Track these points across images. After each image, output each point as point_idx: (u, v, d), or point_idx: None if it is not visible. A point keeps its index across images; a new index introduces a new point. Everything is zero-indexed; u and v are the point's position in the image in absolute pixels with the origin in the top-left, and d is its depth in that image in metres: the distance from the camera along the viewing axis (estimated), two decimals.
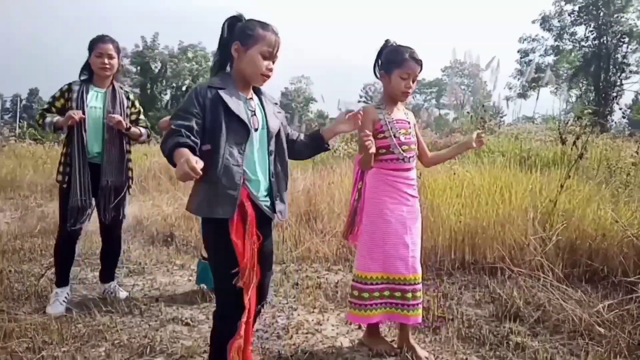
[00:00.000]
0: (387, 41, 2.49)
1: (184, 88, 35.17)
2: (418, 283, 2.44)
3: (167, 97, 35.54)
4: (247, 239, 1.85)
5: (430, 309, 2.95)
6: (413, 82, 2.40)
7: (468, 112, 13.04)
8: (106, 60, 3.05)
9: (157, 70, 34.70)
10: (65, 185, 3.02)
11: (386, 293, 2.41)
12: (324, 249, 4.35)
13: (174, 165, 1.67)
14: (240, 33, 1.92)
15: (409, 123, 2.49)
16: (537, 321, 2.82)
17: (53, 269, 3.62)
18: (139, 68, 34.12)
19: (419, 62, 2.40)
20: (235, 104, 1.86)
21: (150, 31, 36.40)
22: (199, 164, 1.61)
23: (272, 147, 2.00)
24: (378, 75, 2.50)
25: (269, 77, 1.95)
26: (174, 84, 35.44)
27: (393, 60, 2.40)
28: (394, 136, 2.39)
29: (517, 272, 3.31)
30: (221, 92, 1.85)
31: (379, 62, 2.48)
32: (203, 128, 1.82)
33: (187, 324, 2.82)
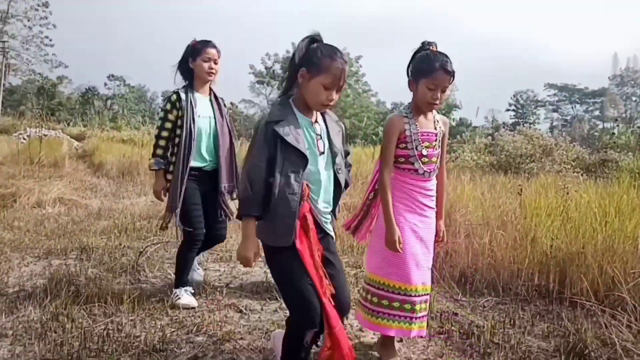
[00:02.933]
0: (422, 44, 2.33)
1: None
2: (427, 294, 2.37)
3: None
4: (313, 251, 1.91)
5: (483, 333, 2.76)
6: (442, 92, 2.26)
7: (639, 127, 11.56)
8: (213, 65, 3.09)
9: None
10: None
11: (395, 304, 2.30)
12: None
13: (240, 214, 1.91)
14: (307, 59, 1.91)
15: (435, 135, 2.35)
16: None
17: (149, 249, 4.13)
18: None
19: (450, 73, 2.23)
20: (293, 134, 1.89)
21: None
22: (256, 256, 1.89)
23: (339, 165, 2.04)
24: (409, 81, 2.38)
25: (329, 106, 1.98)
26: None
27: (421, 69, 2.27)
28: (416, 148, 2.30)
29: (595, 306, 2.92)
30: (276, 127, 1.87)
31: (410, 67, 2.36)
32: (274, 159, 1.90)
33: (240, 311, 3.01)
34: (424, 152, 2.30)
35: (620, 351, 2.49)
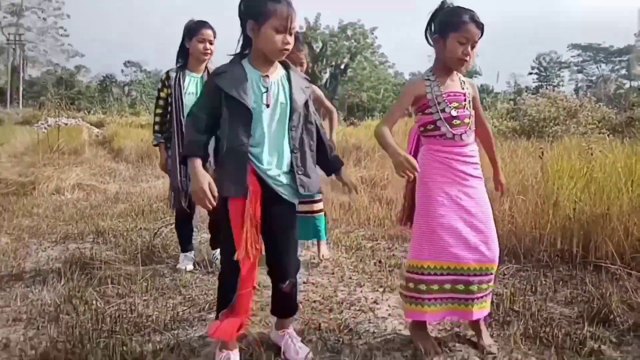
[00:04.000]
0: (443, 2, 2.19)
1: (342, 66, 36.04)
2: (486, 273, 2.14)
3: (326, 76, 36.79)
4: (245, 213, 1.88)
5: (502, 301, 2.67)
6: (472, 48, 2.09)
7: None
8: (208, 46, 3.18)
9: (318, 50, 36.02)
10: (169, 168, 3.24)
11: (447, 286, 2.14)
12: None
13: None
14: (252, 11, 1.90)
15: (464, 95, 2.18)
16: (629, 329, 2.36)
17: (163, 230, 4.13)
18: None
19: (480, 26, 2.08)
20: (235, 86, 1.87)
21: (314, 12, 37.51)
22: (212, 188, 1.85)
23: (295, 122, 1.98)
24: (430, 41, 2.23)
25: (287, 50, 1.93)
26: (333, 62, 36.48)
27: (450, 23, 2.10)
28: (443, 110, 2.13)
29: (621, 270, 2.79)
30: (218, 80, 1.89)
31: (432, 25, 2.21)
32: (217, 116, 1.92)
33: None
34: (453, 112, 2.12)
35: None
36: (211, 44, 3.19)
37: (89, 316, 2.51)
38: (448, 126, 2.12)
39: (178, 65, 3.26)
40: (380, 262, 3.54)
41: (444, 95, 2.14)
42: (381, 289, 2.98)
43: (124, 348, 2.15)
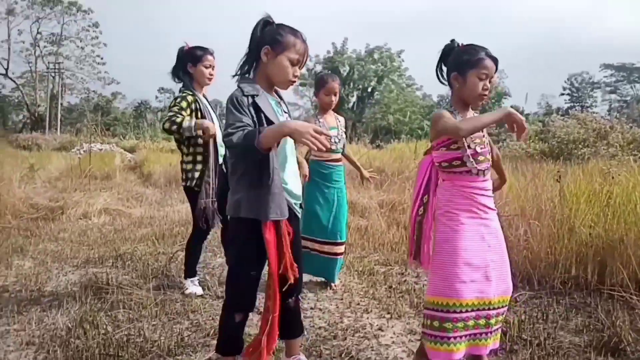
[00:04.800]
0: (452, 41, 2.24)
1: (369, 89, 36.29)
2: (504, 306, 2.14)
3: (353, 99, 37.07)
4: (284, 237, 1.94)
5: (511, 329, 2.62)
6: (490, 83, 2.12)
7: None
8: (212, 71, 3.32)
9: (345, 74, 36.41)
10: (197, 189, 3.26)
11: (471, 323, 2.09)
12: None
13: (250, 147, 1.76)
14: (270, 37, 1.95)
15: (483, 131, 2.18)
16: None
17: (180, 254, 4.21)
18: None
19: (495, 61, 2.12)
20: (271, 111, 1.94)
21: (342, 36, 38.12)
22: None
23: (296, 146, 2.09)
24: (444, 79, 2.24)
25: (293, 83, 2.01)
26: (360, 86, 36.78)
27: (467, 61, 2.13)
28: (469, 147, 2.12)
29: (636, 297, 2.70)
30: (257, 100, 1.90)
31: (442, 64, 2.24)
32: None
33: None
34: (478, 149, 2.12)
35: None
36: (213, 69, 3.32)
37: (98, 340, 2.58)
38: (474, 162, 2.12)
39: (186, 88, 3.29)
40: (391, 287, 3.52)
41: None
42: (388, 315, 2.97)
43: None
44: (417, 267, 2.42)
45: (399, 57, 37.76)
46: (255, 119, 1.88)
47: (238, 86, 1.97)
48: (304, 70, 3.51)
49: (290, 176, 2.02)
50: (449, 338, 2.07)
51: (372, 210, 6.45)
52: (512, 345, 2.51)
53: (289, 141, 2.00)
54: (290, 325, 2.18)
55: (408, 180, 8.03)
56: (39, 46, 40.99)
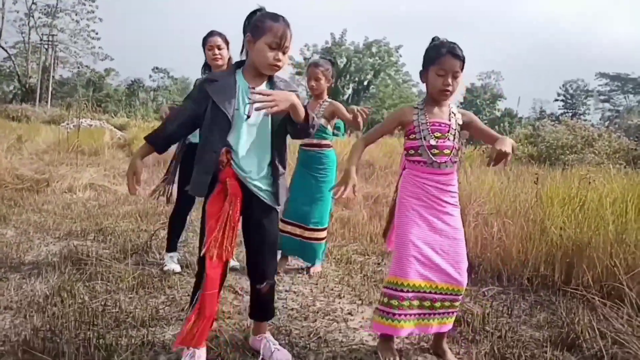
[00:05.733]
0: (433, 39, 2.31)
1: (365, 83, 36.30)
2: (452, 294, 2.26)
3: (349, 91, 37.07)
4: (222, 214, 2.00)
5: (474, 320, 2.72)
6: (454, 79, 2.21)
7: None
8: (216, 52, 3.35)
9: (342, 66, 36.39)
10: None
11: (415, 303, 2.23)
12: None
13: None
14: (252, 26, 2.05)
15: (448, 126, 2.27)
16: (594, 355, 2.39)
17: (161, 232, 4.26)
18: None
19: (459, 58, 2.19)
20: (221, 95, 2.01)
21: (341, 27, 37.97)
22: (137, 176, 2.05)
23: (275, 135, 2.10)
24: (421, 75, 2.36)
25: (277, 67, 2.05)
26: (356, 79, 36.77)
27: (429, 57, 2.24)
28: (424, 139, 2.24)
29: (597, 298, 2.82)
30: (208, 87, 2.04)
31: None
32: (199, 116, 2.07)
33: (235, 292, 3.09)
34: (432, 142, 2.23)
35: (612, 343, 2.40)
36: (220, 49, 3.34)
37: (74, 309, 2.64)
38: (430, 154, 2.23)
39: (203, 75, 3.44)
40: (366, 276, 3.61)
41: (428, 124, 2.25)
42: (359, 302, 3.06)
43: (100, 341, 2.27)
44: (390, 248, 2.54)
45: (397, 52, 37.80)
46: (205, 102, 2.04)
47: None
48: (300, 59, 3.58)
49: (247, 163, 2.05)
50: (393, 315, 2.23)
51: (356, 202, 6.53)
52: (474, 336, 2.61)
53: (245, 129, 2.04)
54: (260, 308, 2.28)
55: (395, 175, 8.13)
56: (33, 17, 40.43)
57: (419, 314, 2.26)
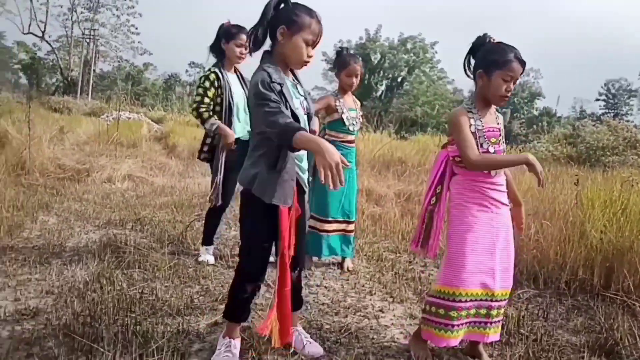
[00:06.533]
0: (484, 36, 2.23)
1: (399, 79, 35.96)
2: (506, 299, 2.23)
3: (382, 88, 36.78)
4: (290, 218, 2.04)
5: (510, 322, 2.67)
6: (513, 85, 2.15)
7: None
8: (243, 51, 3.36)
9: (375, 62, 36.16)
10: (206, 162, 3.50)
11: (472, 311, 2.18)
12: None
13: (285, 141, 1.81)
14: (287, 17, 1.95)
15: (499, 131, 2.22)
16: None
17: (196, 223, 4.35)
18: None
19: (523, 64, 2.13)
20: (291, 98, 1.97)
21: (376, 23, 37.71)
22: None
23: (312, 126, 2.13)
24: (470, 74, 2.26)
25: (307, 63, 2.03)
26: (390, 75, 36.46)
27: (495, 61, 2.14)
28: (481, 145, 2.15)
29: (633, 303, 2.72)
30: (284, 90, 1.93)
31: (471, 57, 2.25)
32: None
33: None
34: (491, 149, 2.16)
35: None
36: (246, 49, 3.33)
37: (112, 295, 2.72)
38: None
39: (216, 64, 3.41)
40: (397, 273, 3.59)
41: (484, 130, 2.17)
42: (390, 299, 3.04)
43: (137, 327, 2.33)
44: (422, 255, 2.49)
45: (433, 48, 37.30)
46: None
47: (263, 68, 1.95)
48: (334, 55, 3.55)
49: (305, 160, 2.11)
50: (452, 326, 2.17)
51: (388, 199, 6.50)
52: (509, 338, 2.57)
53: (304, 121, 2.04)
54: (292, 297, 2.25)
55: (428, 173, 8.04)
56: (76, 12, 41.59)
57: (473, 322, 2.21)
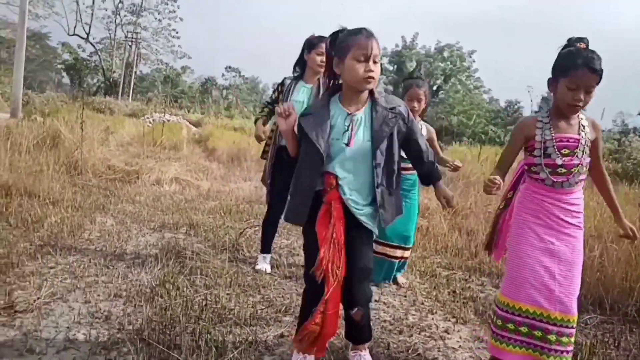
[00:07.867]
0: (569, 40, 2.08)
1: (434, 88, 35.62)
2: (566, 325, 2.06)
3: None
4: (327, 237, 1.99)
5: (581, 351, 2.58)
6: (587, 94, 2.00)
7: None
8: (324, 59, 3.41)
9: (411, 70, 35.92)
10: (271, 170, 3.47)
11: (523, 329, 2.08)
12: (500, 264, 4.08)
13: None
14: (336, 48, 2.04)
15: (578, 141, 2.07)
16: None
17: (248, 231, 4.38)
18: (395, 67, 35.90)
19: (595, 72, 1.97)
20: (315, 129, 2.00)
21: (413, 31, 37.52)
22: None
23: (378, 160, 2.03)
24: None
25: (372, 78, 1.97)
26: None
27: (561, 67, 2.03)
28: (547, 156, 2.06)
29: None
30: (301, 119, 2.06)
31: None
32: None
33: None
34: (559, 160, 2.05)
35: None
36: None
37: (179, 301, 2.75)
38: (548, 173, 2.07)
39: (295, 75, 3.51)
40: (454, 292, 3.52)
41: (554, 140, 2.07)
42: (453, 319, 2.98)
43: (208, 336, 2.35)
44: (493, 260, 2.45)
45: (470, 57, 36.83)
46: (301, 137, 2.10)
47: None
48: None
49: (349, 188, 2.05)
50: (509, 339, 2.10)
51: (434, 211, 6.40)
52: None
53: (347, 156, 2.02)
54: (353, 331, 2.21)
55: (473, 186, 7.89)
56: (119, 15, 42.80)
57: (529, 343, 2.10)
